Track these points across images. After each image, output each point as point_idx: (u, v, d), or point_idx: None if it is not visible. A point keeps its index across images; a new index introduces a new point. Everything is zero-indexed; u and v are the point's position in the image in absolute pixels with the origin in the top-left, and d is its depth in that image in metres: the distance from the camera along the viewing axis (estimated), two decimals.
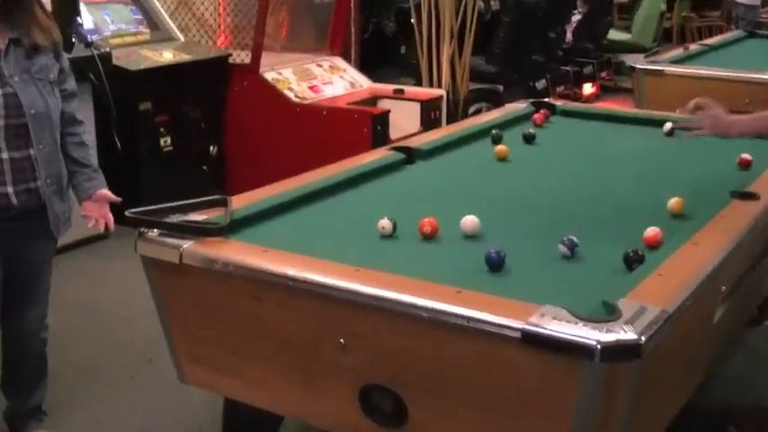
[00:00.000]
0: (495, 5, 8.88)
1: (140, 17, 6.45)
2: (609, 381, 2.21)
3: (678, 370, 2.72)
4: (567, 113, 4.85)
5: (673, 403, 2.77)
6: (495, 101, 8.08)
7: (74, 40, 5.43)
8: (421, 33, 7.04)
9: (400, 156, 3.87)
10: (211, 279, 2.78)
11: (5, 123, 3.23)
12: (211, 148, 6.38)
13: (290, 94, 6.31)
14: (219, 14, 7.28)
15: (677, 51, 7.16)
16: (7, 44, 3.24)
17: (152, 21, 6.50)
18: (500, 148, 3.98)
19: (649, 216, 3.16)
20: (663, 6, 11.02)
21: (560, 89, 9.11)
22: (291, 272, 2.58)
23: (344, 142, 5.95)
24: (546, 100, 5.13)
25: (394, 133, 6.20)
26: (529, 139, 4.25)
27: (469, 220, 2.99)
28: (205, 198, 3.13)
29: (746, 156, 3.86)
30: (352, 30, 7.44)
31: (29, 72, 3.27)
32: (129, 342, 4.58)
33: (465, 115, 7.20)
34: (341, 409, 2.64)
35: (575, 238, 2.81)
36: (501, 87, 8.07)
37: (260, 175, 6.25)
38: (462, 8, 7.16)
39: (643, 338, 2.17)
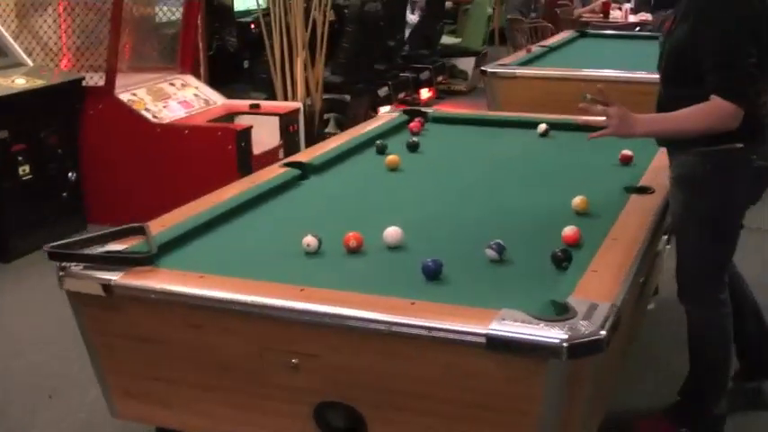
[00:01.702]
0: (330, 16, 8.92)
1: None
2: (571, 376, 2.30)
3: (615, 357, 2.84)
4: (439, 120, 4.95)
5: (613, 389, 2.89)
6: (343, 111, 8.16)
7: None
8: (272, 47, 7.02)
9: (296, 171, 3.87)
10: (144, 310, 2.73)
11: None
12: (70, 174, 6.21)
13: (148, 115, 6.20)
14: (61, 37, 7.10)
15: (521, 53, 7.38)
16: None
17: None
18: (391, 158, 4.04)
19: (556, 216, 3.29)
20: (489, 10, 11.33)
21: (402, 95, 9.25)
22: (237, 297, 2.57)
23: (209, 160, 5.91)
24: (418, 108, 5.20)
25: (256, 148, 6.19)
26: (413, 147, 4.32)
27: (393, 232, 3.03)
28: (122, 227, 3.07)
29: (627, 152, 4.03)
30: (200, 47, 7.37)
31: None
32: (24, 378, 4.41)
33: (322, 126, 7.24)
34: (294, 428, 2.64)
35: (501, 242, 2.88)
36: (348, 97, 8.14)
37: (122, 198, 6.20)
38: (312, 20, 7.19)
39: (603, 333, 2.27)
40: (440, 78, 10.25)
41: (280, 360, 2.56)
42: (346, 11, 8.73)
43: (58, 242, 2.95)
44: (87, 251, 2.89)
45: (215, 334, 2.65)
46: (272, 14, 7.07)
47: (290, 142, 6.55)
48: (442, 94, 10.61)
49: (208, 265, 2.82)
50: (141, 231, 3.04)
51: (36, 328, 4.94)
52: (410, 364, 2.42)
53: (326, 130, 7.66)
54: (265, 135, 6.41)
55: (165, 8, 7.27)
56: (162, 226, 3.15)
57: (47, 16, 7.07)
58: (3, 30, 6.40)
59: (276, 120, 6.52)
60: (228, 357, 2.66)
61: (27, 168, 5.91)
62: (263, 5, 7.41)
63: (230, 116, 6.60)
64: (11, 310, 5.20)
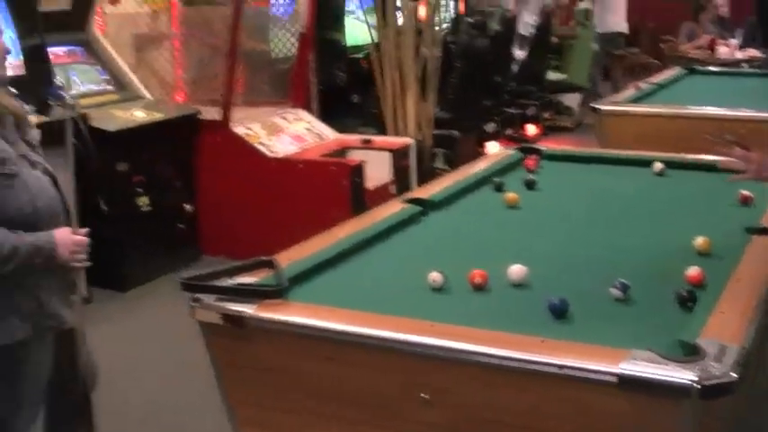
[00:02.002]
0: (437, 52, 9.02)
1: (107, 77, 6.47)
2: (703, 418, 2.31)
3: (742, 401, 2.84)
4: (554, 157, 4.98)
5: None
6: (451, 146, 8.22)
7: (50, 102, 5.41)
8: (383, 82, 7.13)
9: (417, 208, 3.94)
10: (277, 342, 2.81)
11: None
12: (186, 206, 6.39)
13: (263, 149, 6.36)
14: (176, 70, 7.33)
15: (631, 91, 7.36)
16: None
17: (118, 80, 6.53)
18: (511, 195, 4.08)
19: (677, 256, 3.29)
20: (594, 46, 11.33)
21: (508, 131, 9.30)
22: (368, 331, 2.63)
23: (323, 195, 6.03)
24: (532, 145, 5.24)
25: (368, 183, 6.29)
26: (530, 185, 4.36)
27: (517, 269, 3.07)
28: (252, 260, 3.16)
29: (747, 192, 4.02)
30: (313, 81, 7.52)
31: None
32: (138, 408, 4.55)
33: (433, 161, 7.32)
34: None
35: (626, 281, 2.91)
36: (456, 132, 8.21)
37: (236, 231, 6.35)
38: (422, 56, 7.30)
39: (734, 375, 2.28)
40: (546, 114, 10.27)
41: (410, 394, 2.61)
42: (453, 46, 8.83)
43: (190, 275, 3.05)
44: (219, 283, 2.98)
45: (346, 367, 2.72)
46: (383, 51, 7.18)
47: (401, 177, 6.65)
48: (547, 130, 10.63)
49: (336, 299, 2.89)
50: (270, 265, 3.13)
51: (152, 356, 5.09)
52: (540, 401, 2.45)
53: (435, 166, 7.73)
54: (377, 170, 6.52)
55: (278, 43, 7.47)
56: (288, 259, 3.23)
57: (163, 50, 7.32)
58: (122, 63, 6.62)
59: (387, 155, 6.62)
60: (358, 390, 2.73)
61: (146, 200, 6.10)
62: (376, 40, 7.53)
63: (342, 151, 6.72)
64: (127, 339, 5.36)
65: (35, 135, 3.31)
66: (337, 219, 5.83)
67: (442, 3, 9.70)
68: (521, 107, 9.76)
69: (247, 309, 2.81)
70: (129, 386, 4.77)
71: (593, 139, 8.84)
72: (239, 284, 2.97)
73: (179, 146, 6.34)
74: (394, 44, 7.11)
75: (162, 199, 6.20)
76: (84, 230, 3.23)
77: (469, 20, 9.24)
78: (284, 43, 7.43)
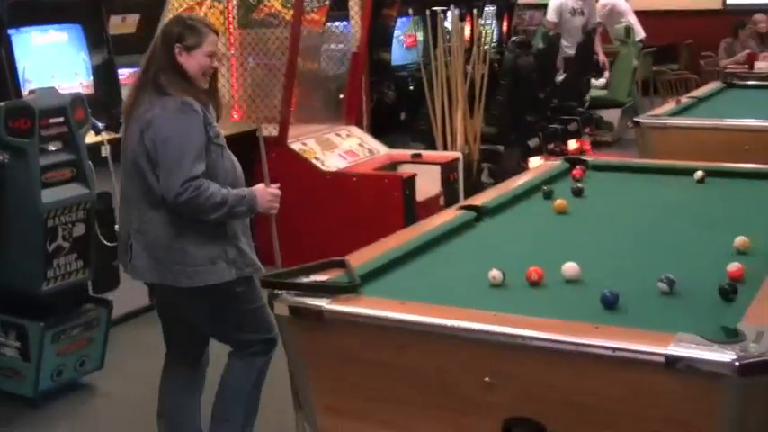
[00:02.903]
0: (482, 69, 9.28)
1: None
2: (746, 396, 2.55)
3: None
4: (599, 167, 5.22)
5: None
6: (496, 161, 8.48)
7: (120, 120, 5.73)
8: (433, 99, 7.41)
9: (472, 214, 4.20)
10: (352, 333, 3.08)
11: None
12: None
13: (318, 164, 6.64)
14: (233, 90, 7.64)
15: (671, 105, 7.60)
16: None
17: None
18: (560, 202, 4.33)
19: (719, 255, 3.54)
20: (635, 62, 11.56)
21: (551, 146, 9.54)
22: (437, 320, 2.90)
23: (377, 207, 6.30)
24: (579, 156, 5.49)
25: (418, 196, 6.56)
26: (578, 193, 4.60)
27: (571, 267, 3.32)
28: (325, 260, 3.44)
29: None
30: (364, 99, 7.81)
31: None
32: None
33: (479, 175, 7.58)
34: None
35: (672, 276, 3.16)
36: (501, 147, 8.47)
37: (293, 242, 6.60)
38: (470, 74, 7.57)
39: None
40: (586, 130, 10.50)
41: (475, 378, 2.87)
42: (495, 65, 9.10)
43: (271, 273, 3.33)
44: (297, 280, 3.26)
45: (416, 355, 2.98)
46: (433, 69, 7.46)
47: (449, 190, 6.91)
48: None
49: (404, 294, 3.16)
50: (342, 265, 3.40)
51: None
52: (595, 383, 2.70)
53: (482, 180, 7.99)
54: (427, 183, 6.79)
55: (330, 62, 7.77)
56: (358, 260, 3.50)
57: (220, 72, 7.62)
58: None
59: (437, 168, 6.89)
60: (427, 376, 2.99)
61: None
62: (423, 60, 7.80)
63: (393, 165, 7.00)
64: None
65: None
66: (390, 230, 6.16)
67: (488, 22, 9.98)
68: (563, 123, 9.99)
69: (324, 303, 3.09)
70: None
71: (633, 154, 9.10)
72: (316, 282, 3.25)
73: (241, 162, 6.60)
74: (443, 63, 7.37)
75: None
76: (276, 184, 4.05)
77: (515, 38, 9.51)
78: (335, 62, 7.74)
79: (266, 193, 3.94)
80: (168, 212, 3.81)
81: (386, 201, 6.31)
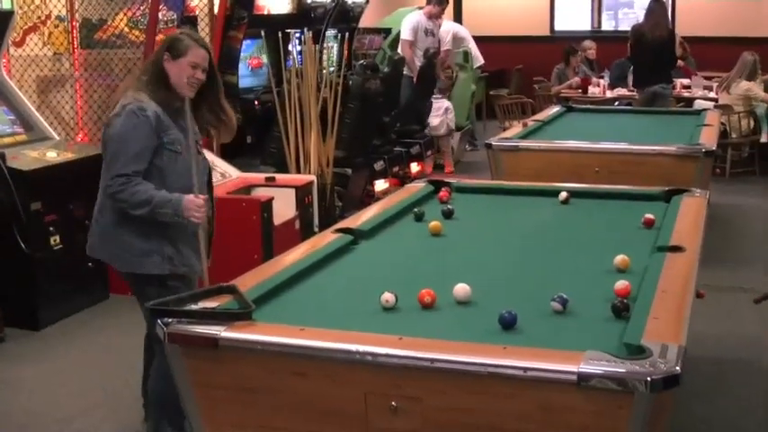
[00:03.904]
0: (325, 93, 9.27)
1: (14, 117, 6.53)
2: (652, 410, 2.60)
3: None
4: (463, 189, 5.28)
5: None
6: (344, 184, 8.46)
7: None
8: (286, 123, 7.35)
9: (349, 237, 4.17)
10: (248, 361, 2.99)
11: None
12: None
13: None
14: (77, 112, 7.42)
15: (519, 128, 7.77)
16: None
17: (25, 121, 6.59)
18: (435, 224, 4.34)
19: (600, 274, 3.62)
20: (473, 87, 11.78)
21: (396, 169, 9.61)
22: (342, 346, 2.85)
23: (235, 231, 6.16)
24: (442, 179, 5.51)
25: (275, 219, 6.48)
26: (448, 214, 4.63)
27: (463, 288, 3.33)
28: (215, 286, 3.35)
29: (650, 216, 4.39)
30: None
31: None
32: None
33: (332, 198, 7.55)
34: None
35: (565, 295, 3.20)
36: (349, 170, 8.46)
37: None
38: (322, 98, 7.55)
39: (678, 369, 2.59)
40: (429, 152, 10.61)
41: (381, 404, 2.83)
42: (339, 88, 9.10)
43: (157, 300, 3.22)
44: (187, 308, 3.15)
45: (318, 381, 2.91)
46: (285, 91, 7.40)
47: (305, 214, 6.85)
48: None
49: (299, 320, 3.10)
50: (232, 291, 3.32)
51: (69, 393, 5.18)
52: (505, 404, 2.70)
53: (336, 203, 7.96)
54: (282, 207, 6.71)
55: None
56: (244, 286, 3.41)
57: (64, 92, 7.40)
58: (29, 105, 6.69)
59: (292, 192, 6.82)
60: (331, 403, 2.92)
61: (57, 239, 6.18)
62: (275, 80, 7.73)
63: (247, 189, 6.89)
64: (43, 378, 5.40)
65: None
66: (248, 254, 6.08)
67: (330, 45, 10.00)
68: (405, 146, 10.07)
69: (219, 330, 2.99)
70: (49, 420, 4.85)
71: (474, 175, 9.28)
72: (207, 309, 3.15)
73: (90, 186, 6.39)
74: (296, 86, 7.33)
75: (73, 238, 6.26)
76: (204, 196, 4.13)
77: (362, 62, 9.54)
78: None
79: (192, 202, 4.05)
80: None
81: (244, 225, 6.20)
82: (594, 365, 2.59)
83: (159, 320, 3.09)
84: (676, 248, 3.83)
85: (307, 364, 2.92)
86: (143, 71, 4.27)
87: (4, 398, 5.18)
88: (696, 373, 4.54)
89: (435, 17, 10.90)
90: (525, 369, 2.65)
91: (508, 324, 3.02)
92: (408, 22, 10.74)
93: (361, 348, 2.82)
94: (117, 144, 4.07)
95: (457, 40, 11.81)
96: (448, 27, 11.84)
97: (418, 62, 10.37)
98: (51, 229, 6.13)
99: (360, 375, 2.86)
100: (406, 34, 10.69)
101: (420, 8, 11.08)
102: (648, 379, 2.53)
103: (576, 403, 2.62)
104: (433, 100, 10.81)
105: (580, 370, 2.58)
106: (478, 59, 12.17)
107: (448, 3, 11.22)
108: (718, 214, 8.02)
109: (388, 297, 3.27)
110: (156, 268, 4.16)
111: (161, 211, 4.04)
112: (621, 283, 3.33)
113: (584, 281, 3.60)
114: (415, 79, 10.30)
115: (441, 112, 10.91)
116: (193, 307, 3.16)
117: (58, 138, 6.67)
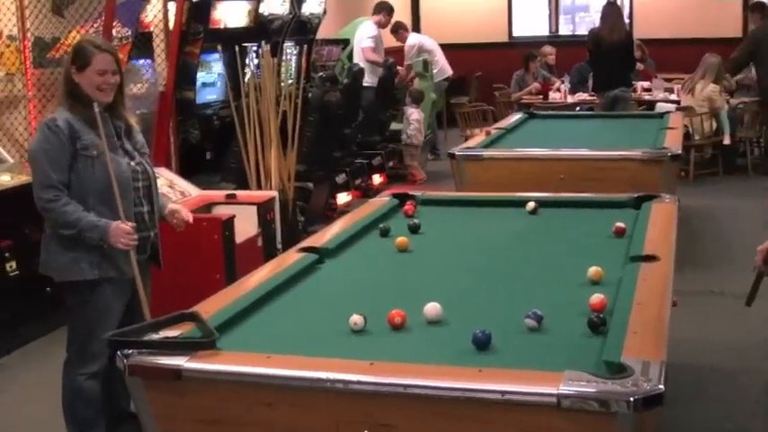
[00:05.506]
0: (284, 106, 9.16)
1: None
2: (637, 429, 2.50)
3: None
4: (429, 202, 5.18)
5: None
6: (306, 198, 8.34)
7: None
8: (245, 138, 7.22)
9: (314, 256, 4.05)
10: (213, 392, 2.86)
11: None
12: None
13: None
14: (31, 133, 7.23)
15: (481, 137, 7.69)
16: None
17: None
18: (401, 240, 4.23)
19: (574, 286, 3.52)
20: (434, 96, 11.68)
21: (358, 181, 9.51)
22: (313, 374, 2.73)
23: (195, 251, 6.02)
24: (406, 192, 5.40)
25: (236, 237, 6.34)
26: (414, 229, 4.52)
27: (434, 307, 3.21)
28: (176, 313, 3.22)
29: (621, 224, 4.30)
30: (172, 140, 7.55)
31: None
32: None
33: (295, 214, 7.43)
34: None
35: (539, 312, 3.10)
36: (311, 184, 8.34)
37: None
38: (281, 112, 7.43)
39: (662, 387, 2.49)
40: (391, 163, 10.52)
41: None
42: (298, 101, 8.98)
43: (115, 331, 3.08)
44: (147, 338, 3.02)
45: (288, 411, 2.78)
46: (243, 106, 7.27)
47: (267, 231, 6.71)
48: (392, 179, 10.85)
49: (264, 346, 2.98)
50: (194, 318, 3.19)
51: (29, 422, 5.03)
52: (484, 428, 2.60)
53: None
54: (244, 224, 6.55)
55: (135, 102, 7.45)
56: (207, 312, 3.29)
57: (17, 114, 7.22)
58: None
59: (253, 209, 6.67)
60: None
61: (13, 264, 6.00)
62: (233, 94, 7.60)
63: (207, 206, 6.74)
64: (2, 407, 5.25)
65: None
66: (210, 274, 5.93)
67: (288, 57, 9.88)
68: (367, 157, 9.97)
69: (182, 361, 2.86)
70: None
71: (438, 185, 9.18)
72: (170, 338, 3.02)
73: None
74: (255, 100, 7.20)
75: (29, 263, 6.08)
76: (132, 224, 4.14)
77: (322, 74, 9.44)
78: (140, 102, 7.43)
79: (119, 229, 4.09)
80: None
81: (205, 244, 6.05)
82: (574, 386, 2.50)
83: (119, 352, 2.96)
84: (650, 258, 3.74)
85: (275, 393, 2.80)
86: (61, 87, 4.32)
87: None
88: (671, 378, 4.43)
89: (384, 27, 10.94)
90: (503, 393, 2.54)
91: (482, 344, 2.92)
92: (365, 31, 10.74)
93: (332, 376, 2.71)
94: (35, 159, 4.17)
95: (423, 52, 11.72)
96: (414, 41, 11.83)
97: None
98: (7, 255, 5.95)
99: (331, 404, 2.74)
100: (366, 42, 10.63)
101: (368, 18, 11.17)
102: (631, 399, 2.44)
103: (557, 425, 2.52)
104: (405, 110, 10.75)
105: (560, 391, 2.48)
106: (445, 71, 12.06)
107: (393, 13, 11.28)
108: (685, 216, 7.96)
109: (356, 320, 3.15)
110: (85, 275, 4.18)
111: (88, 234, 4.11)
112: (597, 297, 3.23)
113: (558, 294, 3.50)
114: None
115: (417, 124, 10.81)
116: (154, 337, 3.03)
117: (12, 160, 6.48)
